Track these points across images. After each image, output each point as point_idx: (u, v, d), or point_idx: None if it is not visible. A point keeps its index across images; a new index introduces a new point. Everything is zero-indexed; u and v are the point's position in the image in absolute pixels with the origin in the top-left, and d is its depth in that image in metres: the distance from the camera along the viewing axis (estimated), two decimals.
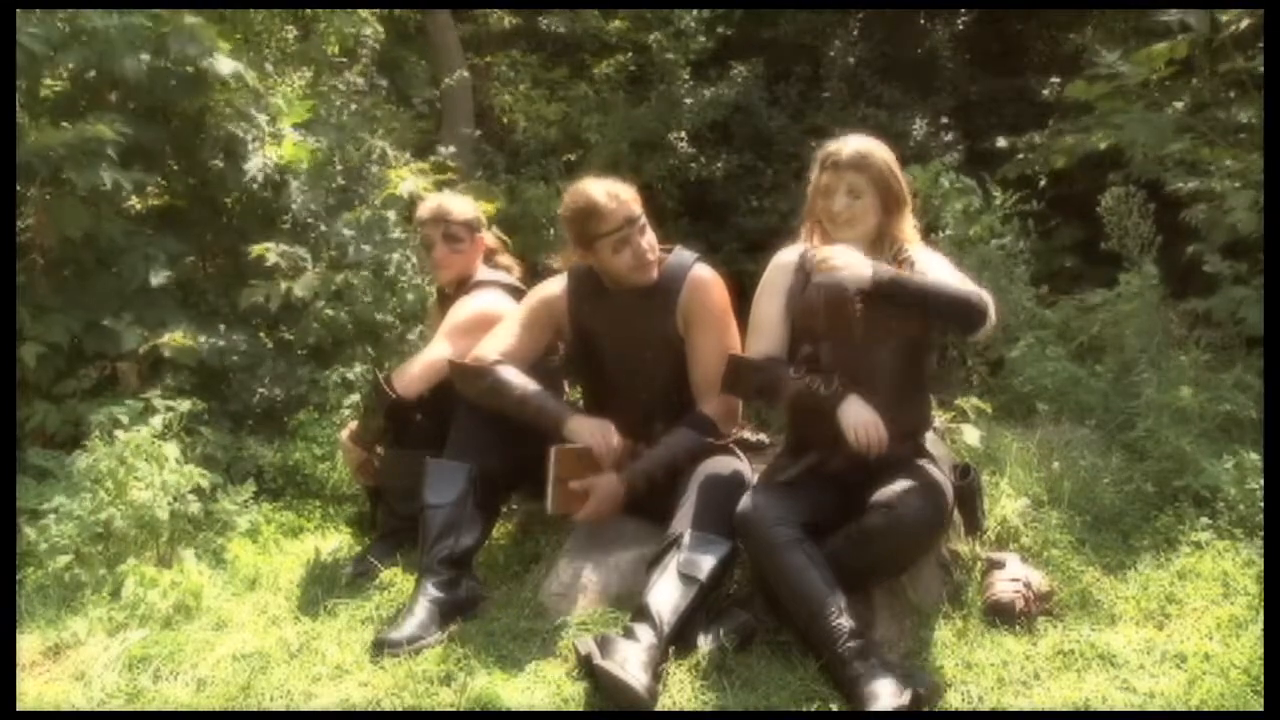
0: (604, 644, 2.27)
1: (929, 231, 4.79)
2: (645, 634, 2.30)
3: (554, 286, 2.96)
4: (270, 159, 4.45)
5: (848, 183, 2.55)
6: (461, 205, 3.34)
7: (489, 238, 3.41)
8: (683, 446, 2.72)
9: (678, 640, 2.36)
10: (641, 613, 2.36)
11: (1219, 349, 3.94)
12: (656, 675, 2.26)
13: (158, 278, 4.04)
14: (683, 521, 2.51)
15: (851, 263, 2.41)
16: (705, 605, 2.45)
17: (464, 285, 3.27)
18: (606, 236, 2.72)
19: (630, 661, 2.21)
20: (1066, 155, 5.17)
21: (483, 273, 3.30)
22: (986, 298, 2.47)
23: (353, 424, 3.28)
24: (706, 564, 2.42)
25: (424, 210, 3.33)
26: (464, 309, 3.16)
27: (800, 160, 2.65)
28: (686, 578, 2.40)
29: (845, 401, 2.45)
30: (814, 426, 2.54)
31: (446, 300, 3.36)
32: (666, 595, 2.37)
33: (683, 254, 2.86)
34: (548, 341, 2.98)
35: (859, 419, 2.44)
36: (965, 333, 2.50)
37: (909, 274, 2.47)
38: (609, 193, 2.73)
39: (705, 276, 2.82)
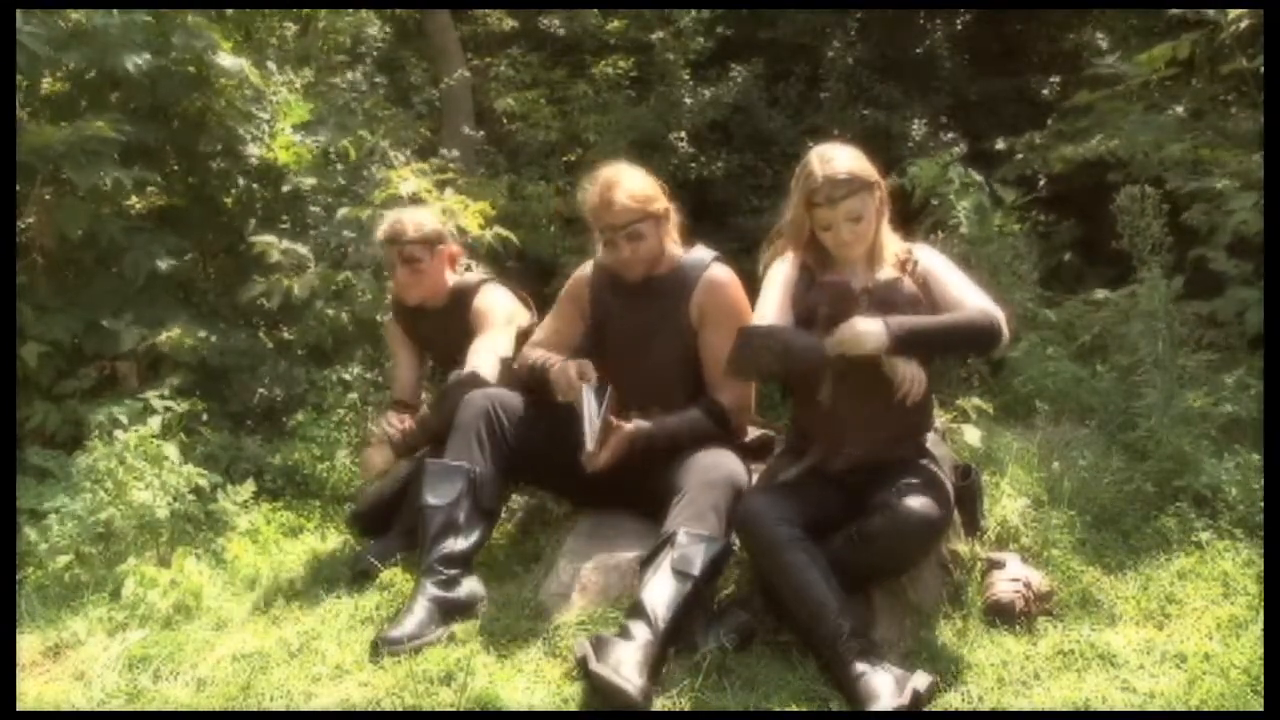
0: (599, 645, 2.27)
1: (934, 229, 4.80)
2: (640, 632, 2.30)
3: (587, 268, 3.02)
4: (271, 154, 4.46)
5: (846, 210, 2.50)
6: (418, 222, 3.29)
7: (494, 239, 3.44)
8: (690, 425, 2.75)
9: (674, 637, 2.36)
10: (636, 610, 2.36)
11: (1223, 349, 3.93)
12: (653, 674, 2.26)
13: (161, 270, 4.05)
14: (676, 520, 2.51)
15: (865, 334, 2.38)
16: (701, 601, 2.45)
17: (455, 296, 3.29)
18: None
19: (624, 664, 2.21)
20: (1066, 162, 5.17)
21: (467, 276, 3.35)
22: (999, 313, 2.47)
23: (396, 427, 3.13)
24: (700, 560, 2.42)
25: (380, 232, 3.31)
26: (497, 307, 3.23)
27: (800, 160, 2.62)
28: (680, 574, 2.39)
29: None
30: (818, 422, 2.53)
31: (415, 316, 3.37)
32: (660, 592, 2.37)
33: (703, 251, 2.92)
34: (583, 319, 2.99)
35: (910, 366, 2.41)
36: (982, 354, 2.44)
37: (922, 320, 2.44)
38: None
39: (722, 274, 2.86)
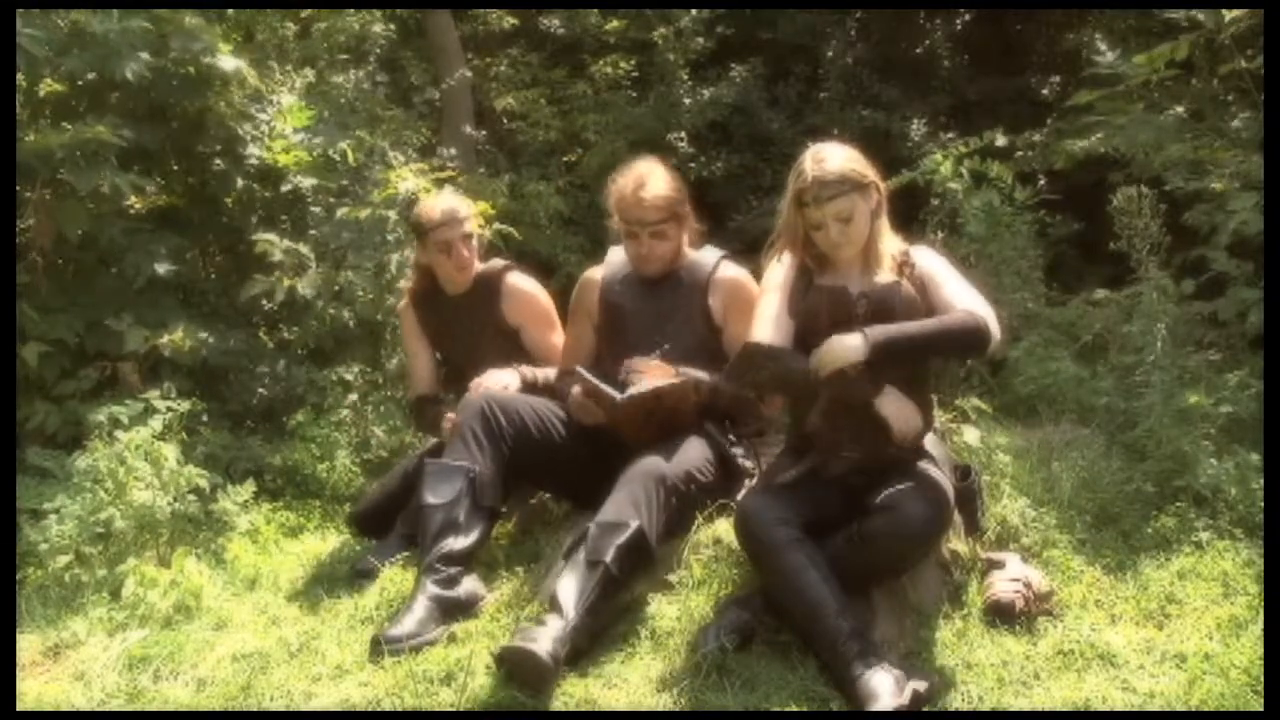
0: (513, 634, 2.33)
1: (937, 229, 4.79)
2: (553, 620, 2.36)
3: (595, 272, 3.15)
4: (270, 155, 4.46)
5: (835, 210, 2.48)
6: (464, 204, 3.38)
7: (494, 237, 3.52)
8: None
9: (587, 622, 2.39)
10: (551, 602, 2.42)
11: (1224, 349, 3.93)
12: (568, 653, 2.31)
13: (161, 270, 4.06)
14: (597, 515, 2.55)
15: (843, 349, 2.37)
16: (615, 587, 2.48)
17: (480, 282, 3.30)
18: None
19: (534, 633, 2.28)
20: (1066, 159, 5.16)
21: (492, 262, 3.40)
22: (986, 316, 2.44)
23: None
24: (610, 548, 2.46)
25: (435, 215, 3.22)
26: (538, 293, 3.34)
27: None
28: (591, 564, 2.45)
29: (884, 393, 2.45)
30: (820, 427, 2.54)
31: (436, 304, 3.34)
32: (571, 583, 2.43)
33: (712, 250, 3.03)
34: (592, 323, 3.11)
35: (901, 408, 2.44)
36: (971, 358, 2.46)
37: (903, 328, 2.42)
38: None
39: (738, 273, 2.99)
